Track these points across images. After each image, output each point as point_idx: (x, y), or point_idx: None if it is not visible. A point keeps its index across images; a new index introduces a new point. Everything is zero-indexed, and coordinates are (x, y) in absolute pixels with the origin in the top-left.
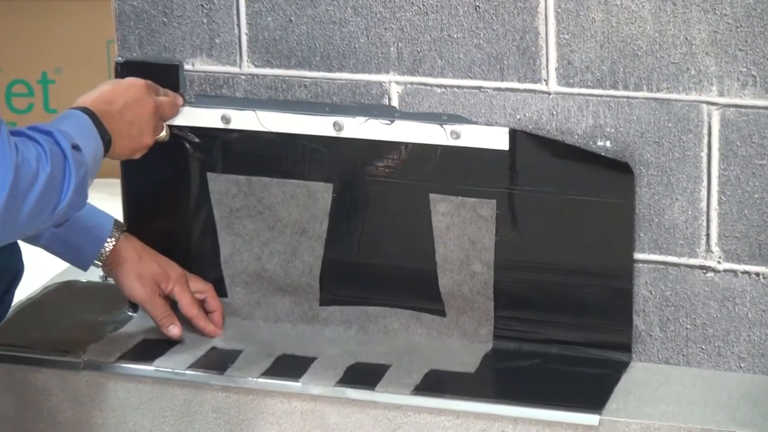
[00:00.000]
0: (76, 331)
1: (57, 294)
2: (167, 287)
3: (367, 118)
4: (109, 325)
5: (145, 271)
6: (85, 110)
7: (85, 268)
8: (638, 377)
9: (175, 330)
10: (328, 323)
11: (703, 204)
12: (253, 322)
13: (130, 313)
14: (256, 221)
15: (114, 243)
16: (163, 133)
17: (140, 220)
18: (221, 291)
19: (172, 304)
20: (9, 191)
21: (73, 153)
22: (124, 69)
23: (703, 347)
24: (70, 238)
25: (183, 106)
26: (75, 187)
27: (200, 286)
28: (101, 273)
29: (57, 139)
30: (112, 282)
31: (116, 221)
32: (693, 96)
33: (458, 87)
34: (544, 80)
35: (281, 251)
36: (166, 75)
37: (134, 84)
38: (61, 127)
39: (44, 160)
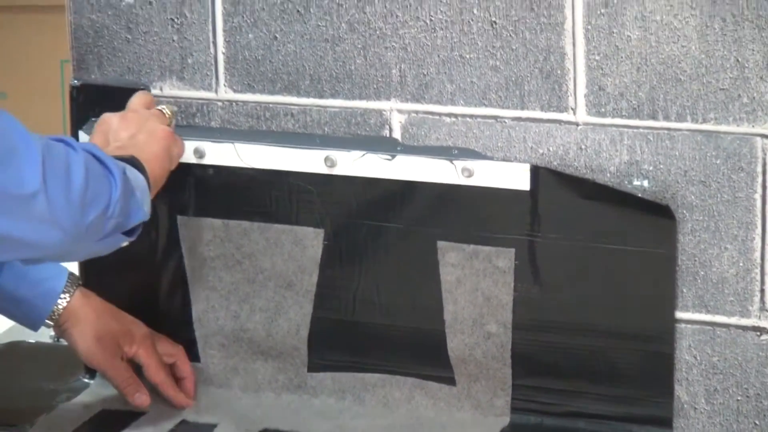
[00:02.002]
0: (23, 401)
1: (0, 357)
2: (130, 349)
3: (365, 152)
4: (62, 393)
5: (104, 330)
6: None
7: (35, 327)
8: None
9: (141, 398)
10: (317, 393)
11: (757, 254)
12: (230, 391)
13: (86, 380)
14: (234, 273)
15: (68, 299)
16: (168, 112)
17: (98, 272)
18: (193, 354)
19: (137, 368)
20: (42, 171)
21: (101, 151)
22: (81, 93)
23: (757, 422)
24: (17, 292)
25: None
26: (121, 188)
27: (169, 349)
28: (52, 333)
29: (71, 143)
30: (65, 343)
31: (71, 274)
32: (745, 128)
33: (471, 116)
34: (572, 109)
35: (263, 308)
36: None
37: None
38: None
39: (73, 149)
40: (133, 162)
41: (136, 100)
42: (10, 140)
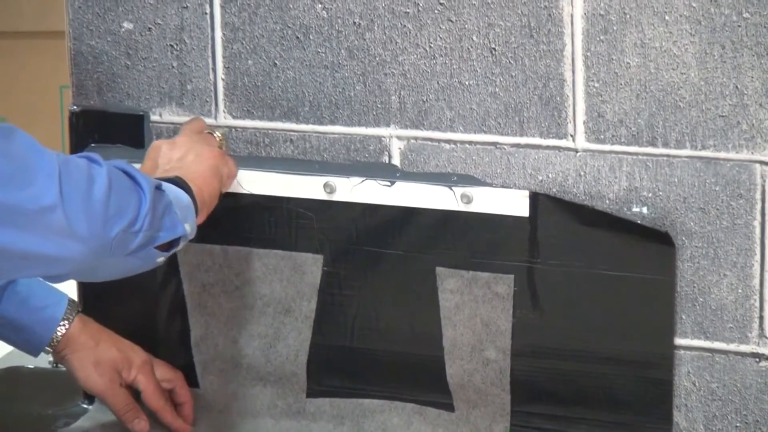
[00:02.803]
0: (22, 426)
1: None
2: (129, 375)
3: (364, 178)
4: (61, 419)
5: (103, 357)
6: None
7: (35, 354)
8: None
9: (140, 425)
10: (316, 418)
11: (756, 281)
12: (228, 417)
13: (84, 405)
14: (233, 299)
15: (67, 326)
16: (219, 136)
17: (97, 298)
18: (192, 380)
19: (135, 394)
20: (59, 184)
21: (133, 167)
22: (80, 119)
23: None
24: (18, 319)
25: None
26: (151, 202)
27: (168, 374)
28: (51, 358)
29: (94, 158)
30: (63, 368)
31: (71, 300)
32: (744, 155)
33: (470, 143)
34: (571, 135)
35: (262, 334)
36: (128, 126)
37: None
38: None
39: (95, 163)
40: (177, 181)
41: (188, 126)
42: (25, 157)
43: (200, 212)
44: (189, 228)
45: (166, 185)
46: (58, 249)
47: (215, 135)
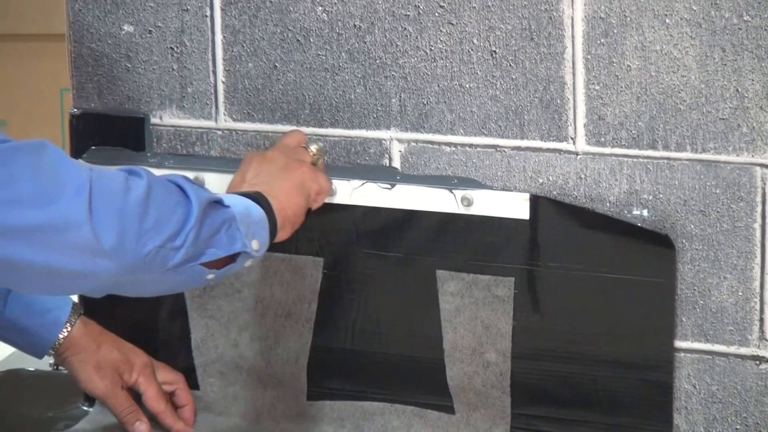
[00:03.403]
0: (22, 429)
1: None
2: (130, 378)
3: (364, 181)
4: (61, 421)
5: (105, 360)
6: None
7: (40, 356)
8: None
9: (141, 427)
10: (316, 421)
11: (756, 284)
12: (228, 419)
13: (84, 408)
14: (233, 302)
15: (69, 329)
16: (314, 151)
17: (98, 301)
18: (192, 382)
19: (136, 396)
20: (88, 199)
21: (188, 181)
22: (80, 122)
23: None
24: (23, 322)
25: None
26: (198, 217)
27: (169, 377)
28: (51, 360)
29: (137, 171)
30: (64, 370)
31: (74, 303)
32: (745, 157)
33: (470, 145)
34: (571, 138)
35: (262, 337)
36: (129, 129)
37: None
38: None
39: (137, 176)
40: (255, 196)
41: (286, 138)
42: (53, 174)
43: (282, 229)
44: (257, 245)
45: (232, 199)
46: (84, 265)
47: (309, 149)
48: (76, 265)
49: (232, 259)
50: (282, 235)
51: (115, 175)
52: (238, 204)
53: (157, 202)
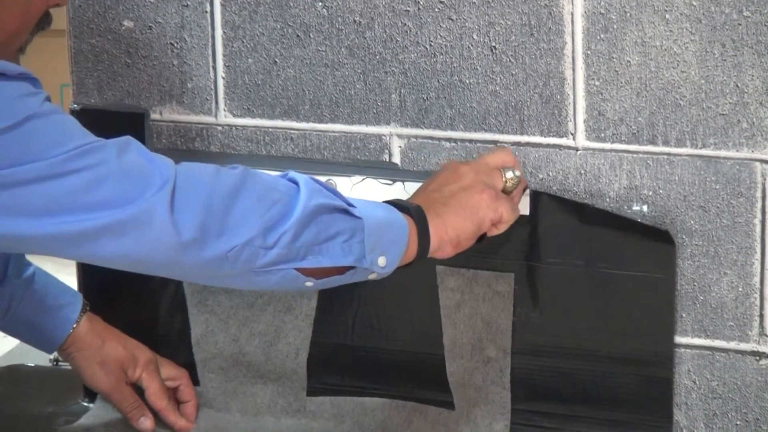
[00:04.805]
0: (22, 425)
1: None
2: (134, 374)
3: (364, 177)
4: (61, 416)
5: (109, 356)
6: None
7: (49, 351)
8: None
9: (146, 423)
10: (316, 417)
11: (756, 279)
12: (228, 415)
13: (85, 404)
14: (233, 297)
15: (75, 326)
16: (510, 180)
17: (98, 295)
18: (192, 378)
19: (140, 391)
20: (171, 194)
21: (314, 182)
22: (80, 117)
23: None
24: (34, 319)
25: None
26: (300, 218)
27: (173, 372)
28: (51, 356)
29: (290, 176)
30: (65, 366)
31: (84, 301)
32: (745, 153)
33: (470, 141)
34: (571, 134)
35: (262, 332)
36: (129, 125)
37: (448, 165)
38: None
39: (232, 167)
40: (415, 210)
41: (489, 156)
42: (141, 172)
43: (439, 249)
44: (384, 261)
45: (369, 210)
46: (168, 257)
47: (504, 175)
48: (160, 257)
49: (341, 270)
50: (441, 254)
51: (204, 169)
52: (376, 216)
53: (249, 196)
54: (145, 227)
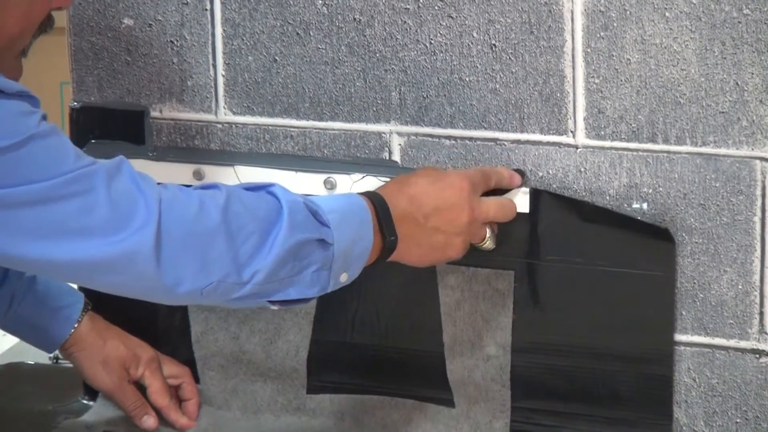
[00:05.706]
0: (22, 423)
1: None
2: (137, 372)
3: (364, 174)
4: (61, 414)
5: (111, 355)
6: (376, 199)
7: (50, 351)
8: None
9: (150, 421)
10: (316, 414)
11: (756, 277)
12: (228, 413)
13: (84, 401)
14: None
15: (76, 325)
16: (488, 243)
17: (100, 294)
18: (192, 375)
19: (142, 389)
20: (156, 230)
21: (294, 207)
22: (80, 115)
23: None
24: (35, 319)
25: (521, 185)
26: (278, 256)
27: (175, 370)
28: (51, 354)
29: (274, 191)
30: (65, 364)
31: (85, 301)
32: (744, 151)
33: (470, 139)
34: (571, 132)
35: (262, 330)
36: (129, 123)
37: (454, 186)
38: (314, 199)
39: (213, 196)
40: (385, 229)
41: (497, 206)
42: (129, 200)
43: (399, 259)
44: (345, 278)
45: (345, 231)
46: (148, 291)
47: (487, 243)
48: (142, 289)
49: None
50: (398, 258)
51: (188, 203)
52: (348, 238)
53: (228, 231)
54: (128, 263)
